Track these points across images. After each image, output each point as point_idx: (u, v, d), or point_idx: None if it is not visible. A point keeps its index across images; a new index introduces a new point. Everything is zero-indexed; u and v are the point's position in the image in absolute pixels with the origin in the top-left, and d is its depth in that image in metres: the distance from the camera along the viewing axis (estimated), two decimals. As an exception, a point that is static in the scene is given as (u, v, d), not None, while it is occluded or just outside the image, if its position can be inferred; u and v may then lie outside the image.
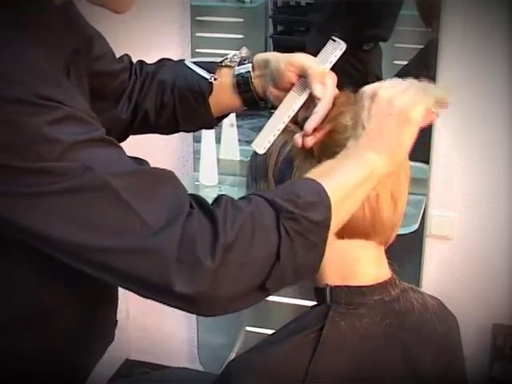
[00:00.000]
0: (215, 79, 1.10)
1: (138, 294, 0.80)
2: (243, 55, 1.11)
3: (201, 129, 1.26)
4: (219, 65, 1.11)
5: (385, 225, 0.93)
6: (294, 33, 2.26)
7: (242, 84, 1.08)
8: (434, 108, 0.89)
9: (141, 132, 1.20)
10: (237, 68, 1.10)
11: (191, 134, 2.13)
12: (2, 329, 0.91)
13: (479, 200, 1.93)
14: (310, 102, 0.99)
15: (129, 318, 2.41)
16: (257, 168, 0.99)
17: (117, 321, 1.14)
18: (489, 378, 1.93)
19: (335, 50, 1.02)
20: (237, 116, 2.04)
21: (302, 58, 1.02)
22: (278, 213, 0.79)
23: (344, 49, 1.02)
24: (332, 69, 1.02)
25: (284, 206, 0.79)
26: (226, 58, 1.11)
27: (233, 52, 1.13)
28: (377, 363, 0.89)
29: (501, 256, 1.95)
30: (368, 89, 0.89)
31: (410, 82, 0.91)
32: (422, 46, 1.96)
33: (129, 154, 0.85)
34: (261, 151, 0.97)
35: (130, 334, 2.44)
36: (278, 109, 1.00)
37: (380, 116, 0.86)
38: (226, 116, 1.19)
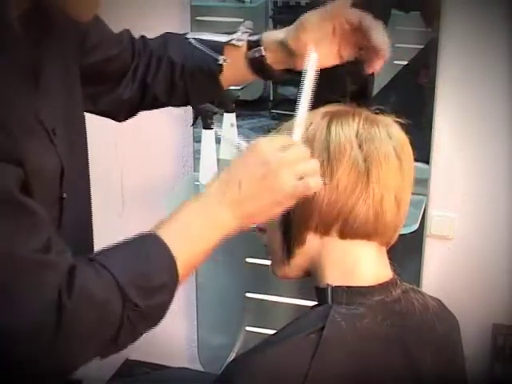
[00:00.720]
0: (225, 61, 1.10)
1: None
2: (248, 31, 1.11)
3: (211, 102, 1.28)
4: (227, 44, 1.11)
5: (388, 226, 0.93)
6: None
7: (257, 65, 1.09)
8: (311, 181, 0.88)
9: (150, 109, 1.22)
10: (251, 52, 1.10)
11: (191, 134, 2.13)
12: None
13: (479, 200, 1.93)
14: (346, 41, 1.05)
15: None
16: None
17: None
18: (489, 378, 1.93)
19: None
20: (237, 116, 2.04)
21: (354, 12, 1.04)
22: (124, 302, 0.81)
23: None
24: (330, 69, 1.02)
25: (131, 296, 0.82)
26: (232, 39, 1.11)
27: (236, 30, 1.13)
28: (377, 363, 0.89)
29: (501, 256, 1.95)
30: (252, 143, 0.89)
31: (289, 143, 0.89)
32: (422, 46, 1.96)
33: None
34: (297, 138, 0.94)
35: (130, 334, 2.44)
36: (299, 106, 0.96)
37: (258, 185, 0.87)
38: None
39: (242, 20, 2.15)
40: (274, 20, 2.20)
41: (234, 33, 1.11)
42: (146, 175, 2.22)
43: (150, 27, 2.07)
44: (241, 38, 1.10)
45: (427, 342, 0.95)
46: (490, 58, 1.82)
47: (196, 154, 2.12)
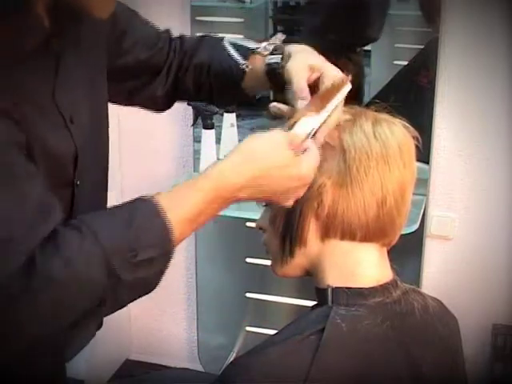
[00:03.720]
0: (247, 66, 1.13)
1: None
2: (277, 43, 1.12)
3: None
4: (253, 52, 1.13)
5: (389, 228, 0.93)
6: (294, 33, 2.26)
7: (272, 72, 1.09)
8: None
9: (185, 101, 1.35)
10: (268, 57, 1.11)
11: (191, 134, 2.13)
12: None
13: (479, 200, 1.93)
14: None
15: (129, 318, 2.41)
16: None
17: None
18: (489, 379, 1.93)
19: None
20: (237, 116, 2.04)
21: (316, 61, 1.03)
22: (109, 273, 0.79)
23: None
24: None
25: (116, 270, 0.80)
26: (259, 47, 1.13)
27: (271, 41, 1.14)
28: (377, 365, 0.89)
29: (501, 256, 1.95)
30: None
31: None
32: (422, 46, 1.96)
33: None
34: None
35: (130, 333, 2.44)
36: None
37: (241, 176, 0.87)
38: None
39: (241, 20, 2.17)
40: (274, 20, 2.20)
41: (265, 41, 1.14)
42: (146, 175, 2.22)
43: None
44: (267, 47, 1.12)
45: (427, 343, 0.95)
46: (490, 58, 1.82)
47: (196, 154, 2.12)
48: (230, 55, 1.15)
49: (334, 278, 0.93)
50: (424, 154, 1.88)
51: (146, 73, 1.18)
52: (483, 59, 1.82)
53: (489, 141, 1.88)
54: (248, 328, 2.30)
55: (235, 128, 2.06)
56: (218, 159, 2.09)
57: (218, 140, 2.06)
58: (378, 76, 2.04)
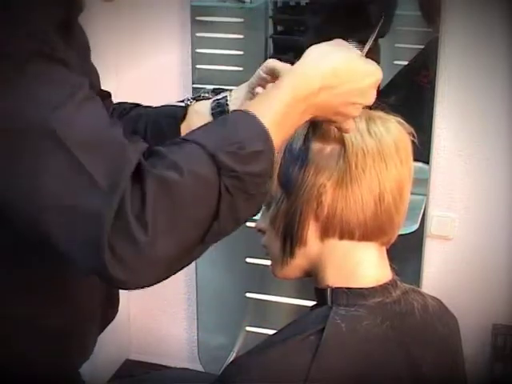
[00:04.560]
0: (190, 102, 1.11)
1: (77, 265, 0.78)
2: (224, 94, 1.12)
3: None
4: (198, 98, 1.12)
5: (388, 226, 0.93)
6: (294, 33, 2.26)
7: (217, 107, 1.08)
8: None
9: None
10: (214, 97, 1.10)
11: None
12: None
13: (479, 200, 1.93)
14: None
15: (129, 318, 2.41)
16: None
17: (117, 306, 1.14)
18: (489, 379, 1.93)
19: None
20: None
21: (272, 62, 1.03)
22: (219, 169, 0.76)
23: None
24: None
25: (225, 162, 0.76)
26: (207, 92, 1.12)
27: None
28: (377, 365, 0.89)
29: (501, 256, 1.95)
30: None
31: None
32: (422, 46, 1.96)
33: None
34: None
35: (130, 333, 2.44)
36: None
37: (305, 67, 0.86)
38: None
39: (241, 20, 2.17)
40: (274, 20, 2.20)
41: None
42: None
43: (150, 27, 2.08)
44: (210, 94, 1.12)
45: (427, 343, 0.95)
46: (490, 58, 1.82)
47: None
48: (169, 105, 1.13)
49: (333, 278, 0.93)
50: (424, 154, 1.88)
51: None
52: (483, 59, 1.82)
53: (489, 141, 1.88)
54: (248, 328, 2.30)
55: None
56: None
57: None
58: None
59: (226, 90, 1.11)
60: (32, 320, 0.96)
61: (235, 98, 1.08)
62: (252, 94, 1.05)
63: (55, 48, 0.77)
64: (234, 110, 0.86)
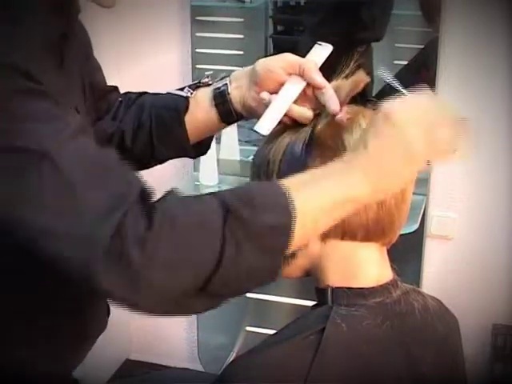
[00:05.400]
0: (191, 93, 1.10)
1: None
2: (220, 75, 1.11)
3: (178, 156, 1.19)
4: (198, 85, 1.11)
5: (389, 227, 0.93)
6: (294, 33, 2.26)
7: (219, 96, 1.07)
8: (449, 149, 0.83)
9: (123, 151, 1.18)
10: (214, 84, 1.10)
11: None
12: None
13: (479, 200, 1.93)
14: (305, 98, 0.99)
15: (129, 318, 2.41)
16: (260, 168, 0.98)
17: (109, 309, 1.14)
18: (489, 379, 1.93)
19: (322, 52, 1.04)
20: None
21: (294, 56, 1.02)
22: (225, 213, 0.73)
23: (330, 51, 1.04)
24: (328, 71, 1.02)
25: (234, 206, 0.74)
26: (207, 77, 1.11)
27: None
28: (378, 365, 0.89)
29: (501, 256, 1.95)
30: (385, 107, 0.83)
31: (434, 108, 0.84)
32: (422, 46, 1.96)
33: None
34: (265, 132, 0.97)
35: (130, 333, 2.44)
36: (277, 97, 1.00)
37: (386, 142, 0.81)
38: (204, 147, 1.17)
39: (241, 20, 2.17)
40: (274, 20, 2.20)
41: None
42: (146, 175, 2.21)
43: (150, 27, 2.08)
44: (212, 79, 1.11)
45: (427, 343, 0.95)
46: (490, 58, 1.82)
47: (196, 154, 2.11)
48: (171, 93, 1.12)
49: (334, 278, 0.93)
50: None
51: (99, 108, 1.14)
52: (483, 59, 1.82)
53: (489, 141, 1.87)
54: (248, 328, 2.30)
55: (235, 128, 2.06)
56: (218, 159, 2.10)
57: (218, 140, 2.06)
58: (378, 76, 2.04)
59: (224, 76, 1.10)
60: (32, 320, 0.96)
61: (236, 86, 1.07)
62: (255, 93, 1.04)
63: (40, 81, 0.77)
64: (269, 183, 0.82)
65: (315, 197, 0.78)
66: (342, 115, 0.93)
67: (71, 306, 1.00)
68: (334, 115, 0.94)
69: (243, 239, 0.73)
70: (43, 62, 0.81)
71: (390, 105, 0.83)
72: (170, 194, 0.77)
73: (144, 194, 0.76)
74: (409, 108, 0.84)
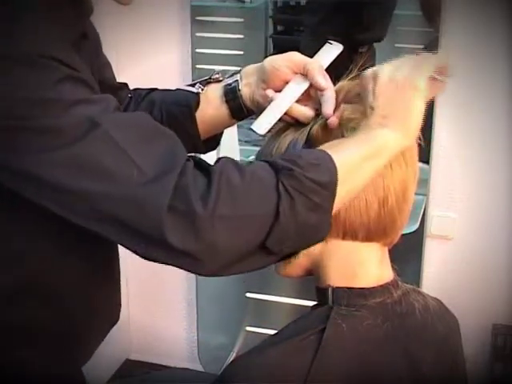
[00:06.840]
0: (202, 89, 1.10)
1: (135, 252, 0.80)
2: (230, 72, 1.12)
3: (188, 152, 1.23)
4: (208, 81, 1.12)
5: (391, 227, 0.93)
6: (294, 33, 2.26)
7: (230, 92, 1.08)
8: (436, 75, 0.90)
9: None
10: (225, 80, 1.10)
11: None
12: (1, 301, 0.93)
13: (479, 200, 1.93)
14: (308, 98, 1.00)
15: (129, 318, 2.41)
16: None
17: (120, 304, 1.14)
18: (489, 379, 1.93)
19: (331, 51, 1.05)
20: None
21: (301, 55, 1.03)
22: (277, 171, 0.80)
23: (341, 50, 1.05)
24: (328, 72, 1.02)
25: (284, 164, 0.80)
26: (218, 73, 1.12)
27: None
28: (378, 365, 0.89)
29: (501, 256, 1.95)
30: (368, 72, 0.91)
31: (407, 56, 0.92)
32: (422, 46, 1.96)
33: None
34: (262, 132, 0.98)
35: (130, 333, 2.44)
36: (278, 96, 1.01)
37: (385, 93, 0.88)
38: (214, 143, 1.19)
39: (241, 20, 2.17)
40: (274, 20, 2.20)
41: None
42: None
43: (150, 27, 2.08)
44: (220, 75, 1.12)
45: (428, 343, 0.95)
46: (490, 58, 1.82)
47: (196, 154, 2.11)
48: (181, 89, 1.13)
49: (335, 278, 0.93)
50: (424, 154, 1.88)
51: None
52: (483, 59, 1.82)
53: (489, 141, 1.87)
54: (248, 328, 2.30)
55: (235, 127, 2.06)
56: (218, 159, 2.09)
57: (218, 140, 2.05)
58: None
59: (235, 72, 1.10)
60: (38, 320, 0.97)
61: (245, 84, 1.08)
62: (263, 90, 1.04)
63: (78, 69, 0.82)
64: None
65: (349, 157, 0.85)
66: (334, 119, 0.93)
67: (88, 291, 1.01)
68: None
69: (295, 194, 0.79)
70: (75, 58, 0.84)
71: (369, 70, 0.91)
72: (223, 158, 0.83)
73: (195, 158, 0.82)
74: (391, 62, 0.91)
